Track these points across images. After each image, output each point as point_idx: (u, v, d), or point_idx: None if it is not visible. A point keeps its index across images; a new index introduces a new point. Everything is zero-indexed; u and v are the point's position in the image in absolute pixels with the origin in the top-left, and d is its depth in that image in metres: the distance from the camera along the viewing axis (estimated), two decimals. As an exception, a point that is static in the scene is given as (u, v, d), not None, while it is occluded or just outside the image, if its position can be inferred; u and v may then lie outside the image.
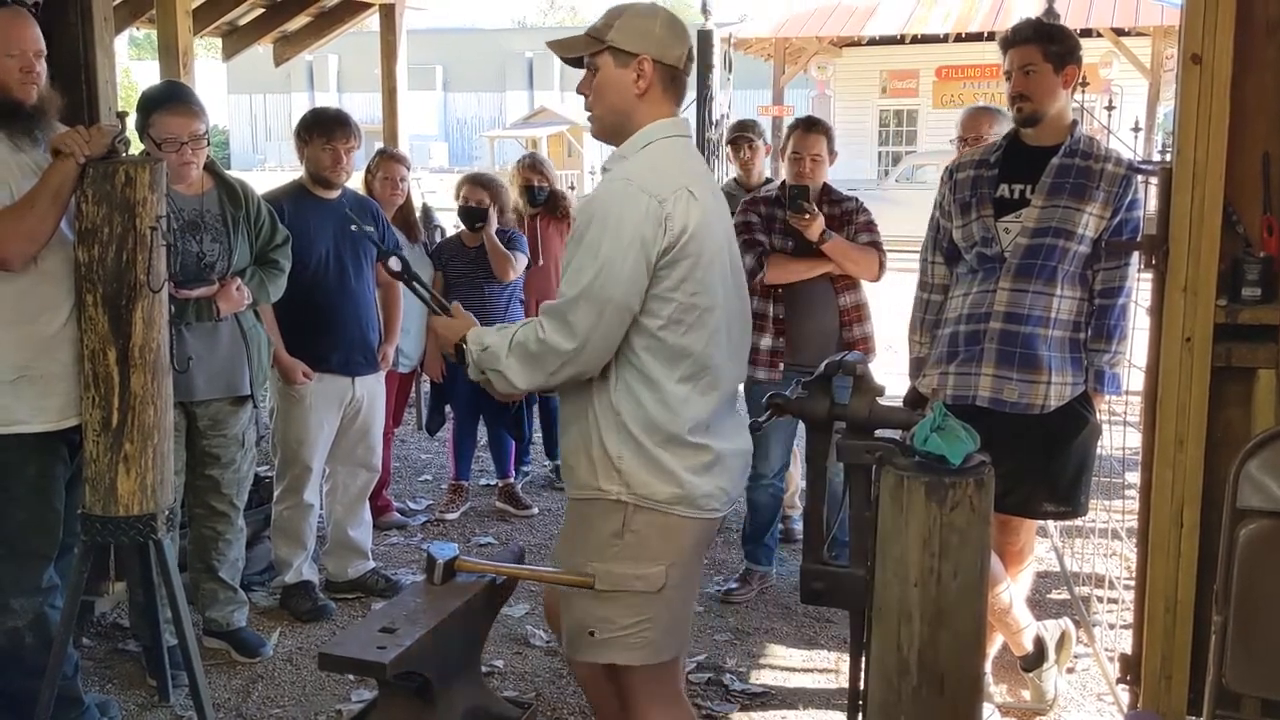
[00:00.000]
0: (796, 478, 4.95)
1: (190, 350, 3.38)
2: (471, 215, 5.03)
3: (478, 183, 5.16)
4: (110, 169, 2.77)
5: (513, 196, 5.44)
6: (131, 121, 3.23)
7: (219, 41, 8.20)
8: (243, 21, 7.74)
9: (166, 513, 2.98)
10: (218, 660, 3.71)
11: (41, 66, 2.94)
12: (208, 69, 24.40)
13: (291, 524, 4.17)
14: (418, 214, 5.34)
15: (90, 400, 2.85)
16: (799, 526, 4.96)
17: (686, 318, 2.27)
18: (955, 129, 4.27)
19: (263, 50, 8.33)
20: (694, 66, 2.41)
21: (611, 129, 2.37)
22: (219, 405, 3.58)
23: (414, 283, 2.61)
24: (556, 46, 2.39)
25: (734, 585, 4.39)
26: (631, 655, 2.35)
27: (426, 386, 5.79)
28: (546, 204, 5.54)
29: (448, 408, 5.42)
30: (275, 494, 4.20)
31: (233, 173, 3.94)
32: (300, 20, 7.85)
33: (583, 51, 2.34)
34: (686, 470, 2.29)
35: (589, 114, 2.39)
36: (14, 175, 2.88)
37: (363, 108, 26.03)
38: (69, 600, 2.99)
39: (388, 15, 7.39)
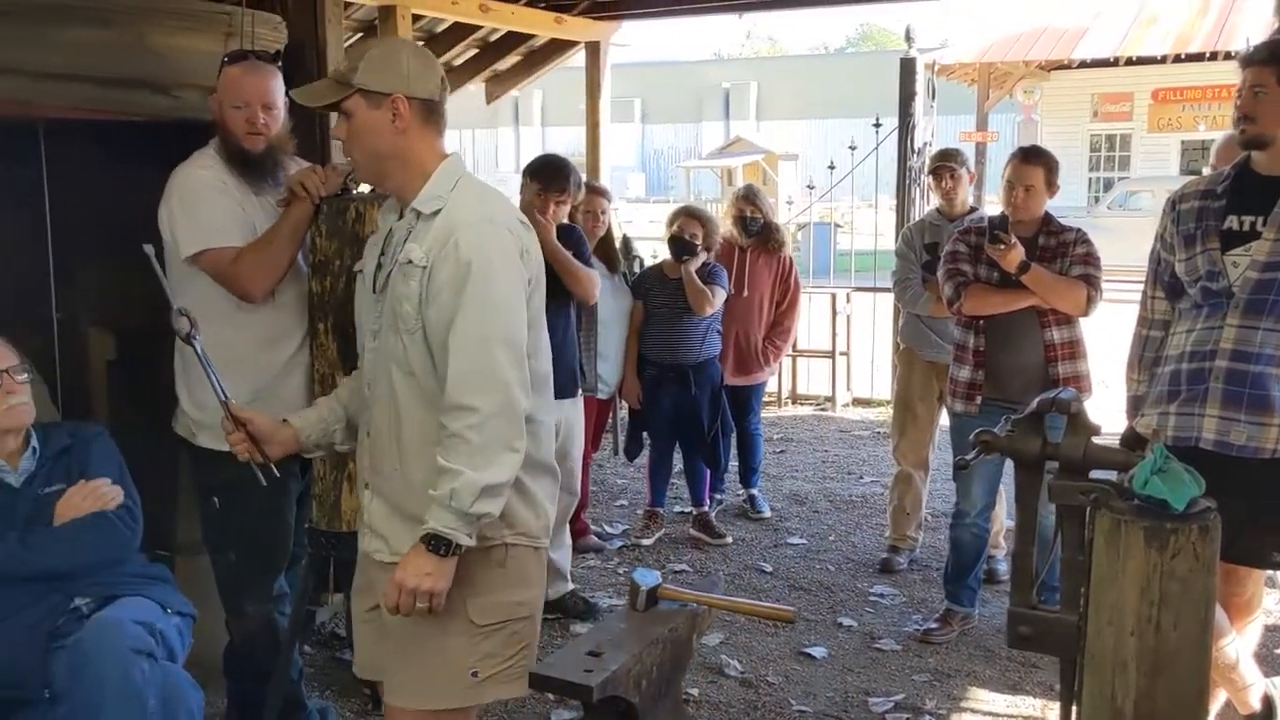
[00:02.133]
0: (1002, 517, 4.80)
1: None
2: (681, 247, 5.11)
3: (694, 216, 5.25)
4: (342, 206, 2.96)
5: (725, 227, 5.51)
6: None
7: (434, 81, 8.62)
8: (457, 62, 8.11)
9: (385, 530, 3.13)
10: (426, 673, 3.87)
11: (272, 116, 3.09)
12: (421, 106, 25.49)
13: (496, 544, 4.32)
14: (618, 245, 5.47)
15: (319, 422, 3.04)
16: (1003, 567, 4.81)
17: (540, 342, 2.28)
18: (1210, 156, 4.07)
19: (474, 89, 8.70)
20: (448, 93, 2.30)
21: (376, 174, 2.28)
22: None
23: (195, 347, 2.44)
24: (301, 95, 2.27)
25: (934, 625, 4.28)
26: (515, 686, 2.34)
27: (624, 413, 5.90)
28: (759, 235, 5.58)
29: (645, 434, 5.51)
30: (481, 515, 4.35)
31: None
32: (511, 59, 8.17)
33: (332, 98, 2.21)
34: (548, 499, 2.32)
35: (347, 159, 2.30)
36: (256, 215, 3.10)
37: (566, 141, 26.79)
38: (296, 608, 3.19)
39: (593, 52, 7.61)
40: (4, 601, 2.64)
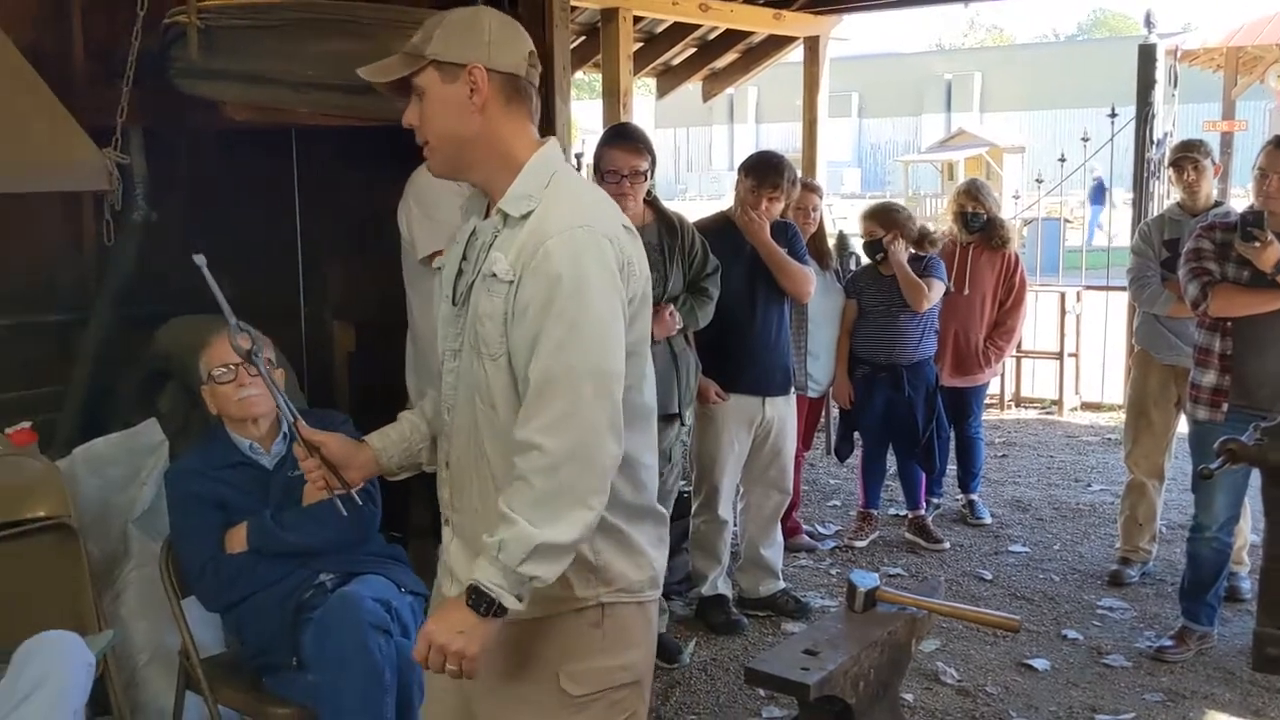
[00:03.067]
0: (1246, 532, 4.49)
1: None
2: (870, 248, 5.08)
3: (869, 216, 5.20)
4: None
5: (946, 223, 5.39)
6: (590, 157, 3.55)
7: (653, 81, 8.76)
8: (676, 62, 8.21)
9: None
10: (639, 662, 3.94)
11: None
12: (641, 106, 25.99)
13: (708, 538, 4.37)
14: (832, 241, 5.42)
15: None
16: (1246, 585, 4.51)
17: (645, 370, 1.93)
18: None
19: (692, 87, 8.79)
20: (537, 73, 1.93)
21: (453, 160, 1.92)
22: (650, 422, 3.80)
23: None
24: (370, 71, 1.93)
25: (1168, 643, 4.05)
26: None
27: (836, 412, 5.84)
28: (982, 231, 5.42)
29: (856, 434, 5.44)
30: (693, 508, 4.42)
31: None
32: (728, 57, 8.21)
33: (402, 71, 1.89)
34: (652, 545, 1.97)
35: (424, 146, 1.93)
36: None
37: (781, 137, 26.68)
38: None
39: (811, 47, 7.55)
40: (259, 574, 2.85)
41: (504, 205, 1.86)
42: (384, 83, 1.90)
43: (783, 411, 4.40)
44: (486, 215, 1.92)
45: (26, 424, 3.38)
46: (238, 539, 2.87)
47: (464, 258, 1.93)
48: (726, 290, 4.11)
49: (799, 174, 4.96)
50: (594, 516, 1.75)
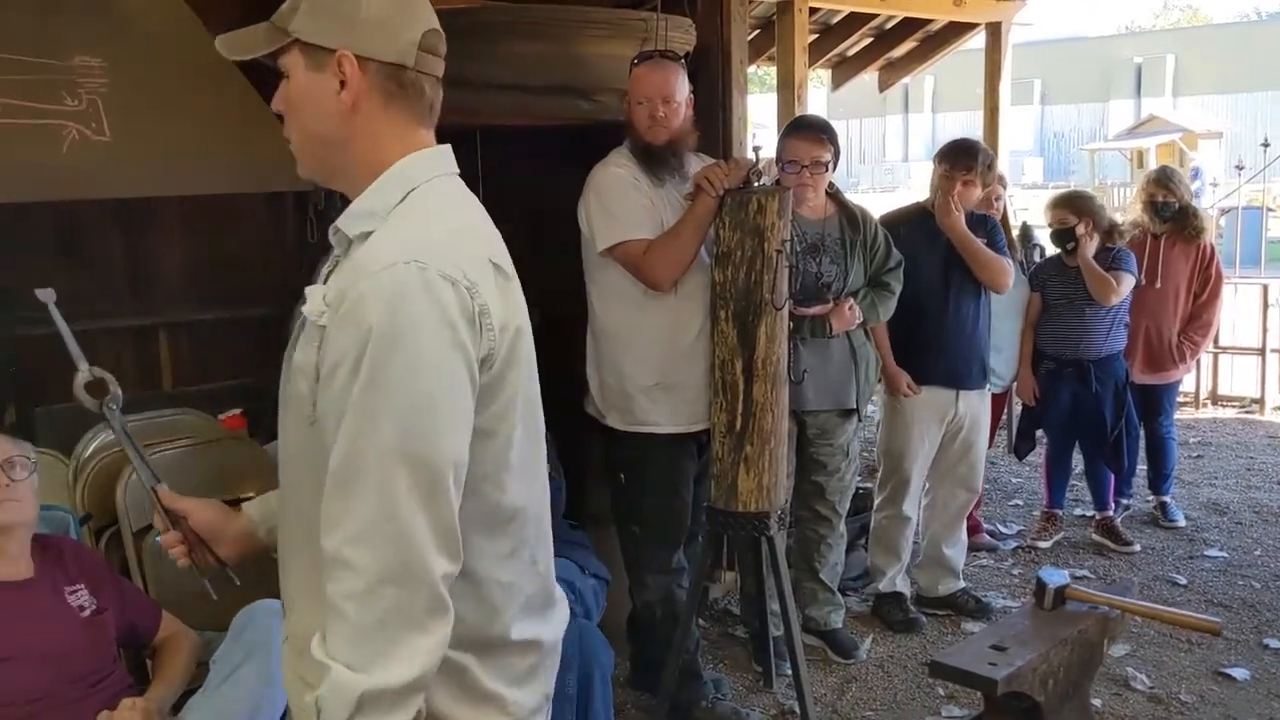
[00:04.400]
0: None
1: (805, 363, 3.62)
2: (1060, 237, 4.88)
3: (1060, 204, 5.00)
4: (745, 199, 3.06)
5: (1135, 212, 5.18)
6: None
7: (827, 73, 8.66)
8: (851, 52, 8.10)
9: (779, 512, 3.22)
10: (814, 657, 3.93)
11: (672, 109, 3.22)
12: (814, 98, 25.79)
13: (889, 534, 4.31)
14: (1016, 233, 5.26)
15: (717, 405, 3.18)
16: None
17: (510, 458, 1.47)
18: None
19: (867, 78, 8.66)
20: (438, 60, 1.51)
21: (318, 165, 1.51)
22: (827, 416, 3.79)
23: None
24: (226, 43, 1.51)
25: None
26: None
27: (1018, 408, 5.66)
28: (1175, 221, 5.18)
29: (1039, 432, 5.27)
30: (875, 503, 4.37)
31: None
32: (905, 46, 8.04)
33: (263, 50, 1.48)
34: (515, 684, 1.52)
35: (289, 142, 1.53)
36: (664, 208, 3.27)
37: (958, 126, 25.98)
38: (694, 582, 3.36)
39: (994, 33, 7.33)
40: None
41: (341, 223, 1.47)
42: (241, 59, 1.51)
43: (976, 406, 4.31)
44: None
45: (236, 410, 3.61)
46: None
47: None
48: (919, 280, 4.04)
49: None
50: (437, 641, 1.33)
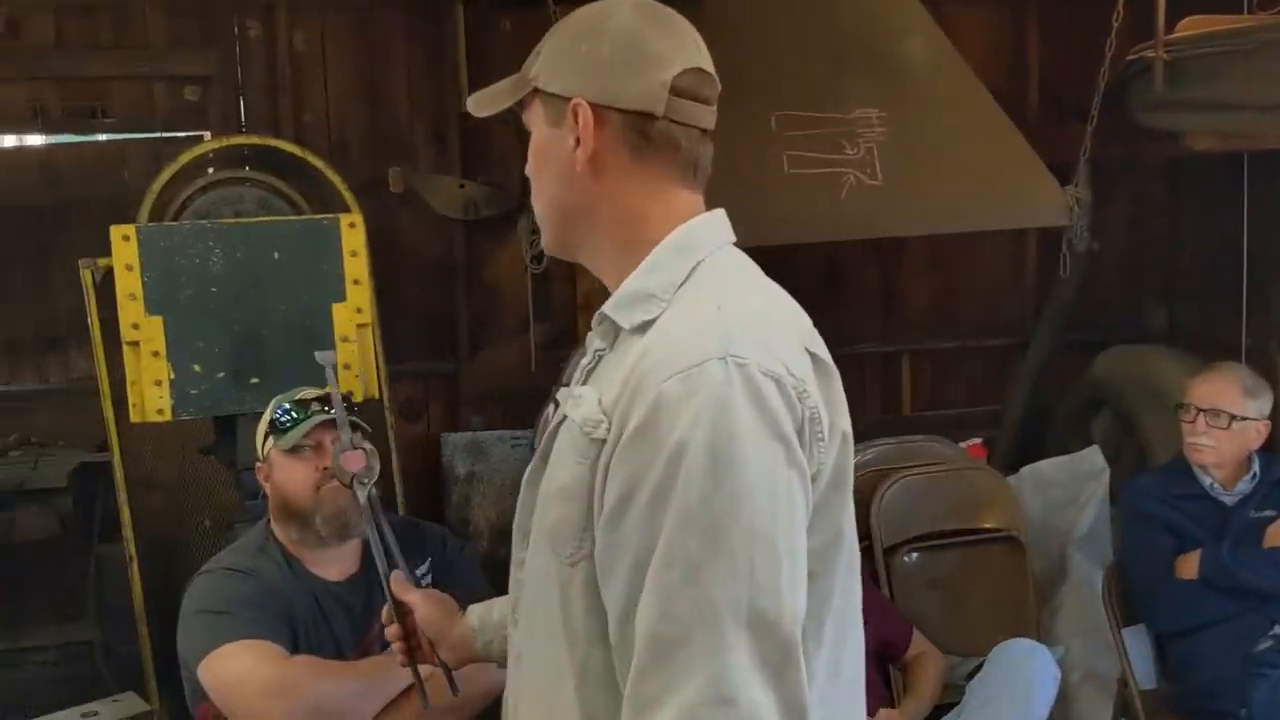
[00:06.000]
0: None
1: None
2: None
3: None
4: None
5: None
6: None
7: None
8: None
9: None
10: None
11: None
12: None
13: None
14: None
15: None
16: None
17: (839, 610, 1.16)
18: None
19: None
20: (705, 108, 1.18)
21: (554, 236, 1.25)
22: None
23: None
24: (475, 103, 1.30)
25: None
26: None
27: None
28: None
29: None
30: None
31: None
32: None
33: (506, 102, 1.27)
34: None
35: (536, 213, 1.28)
36: None
37: None
38: None
39: None
40: (1207, 608, 2.81)
41: (608, 309, 1.20)
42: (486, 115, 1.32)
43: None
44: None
45: (978, 440, 3.71)
46: (1189, 565, 2.84)
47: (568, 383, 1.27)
48: None
49: None
50: None
